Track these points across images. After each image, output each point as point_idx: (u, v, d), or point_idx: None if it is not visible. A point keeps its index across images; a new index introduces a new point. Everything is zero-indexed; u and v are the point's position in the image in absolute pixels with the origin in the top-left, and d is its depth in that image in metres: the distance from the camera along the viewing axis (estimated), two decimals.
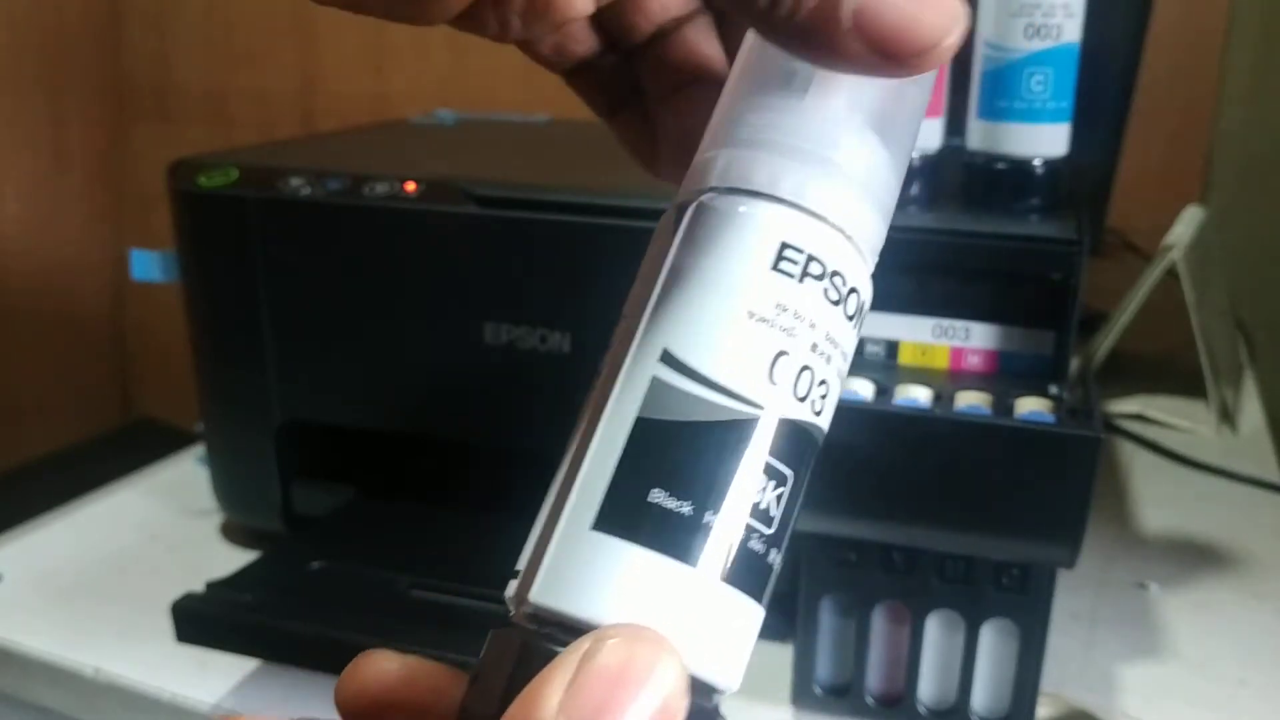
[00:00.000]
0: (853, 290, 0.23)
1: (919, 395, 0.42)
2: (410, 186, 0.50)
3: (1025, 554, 0.41)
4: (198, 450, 0.66)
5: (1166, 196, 0.99)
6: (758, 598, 0.22)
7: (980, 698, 0.44)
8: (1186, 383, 0.81)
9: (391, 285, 0.51)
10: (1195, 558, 0.61)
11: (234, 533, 0.60)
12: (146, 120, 2.06)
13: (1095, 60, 0.48)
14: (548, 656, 0.20)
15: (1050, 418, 0.39)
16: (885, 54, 0.20)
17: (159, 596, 0.43)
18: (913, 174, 0.47)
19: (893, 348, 0.46)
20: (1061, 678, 0.48)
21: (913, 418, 0.40)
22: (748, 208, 0.23)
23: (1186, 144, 1.26)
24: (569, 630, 0.20)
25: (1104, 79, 0.85)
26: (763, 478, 0.21)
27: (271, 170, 0.52)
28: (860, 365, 0.46)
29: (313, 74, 1.95)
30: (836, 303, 0.23)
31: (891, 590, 0.44)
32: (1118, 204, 1.00)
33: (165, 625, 0.43)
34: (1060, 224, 0.43)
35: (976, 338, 0.45)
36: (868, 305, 0.24)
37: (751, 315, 0.22)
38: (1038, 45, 0.44)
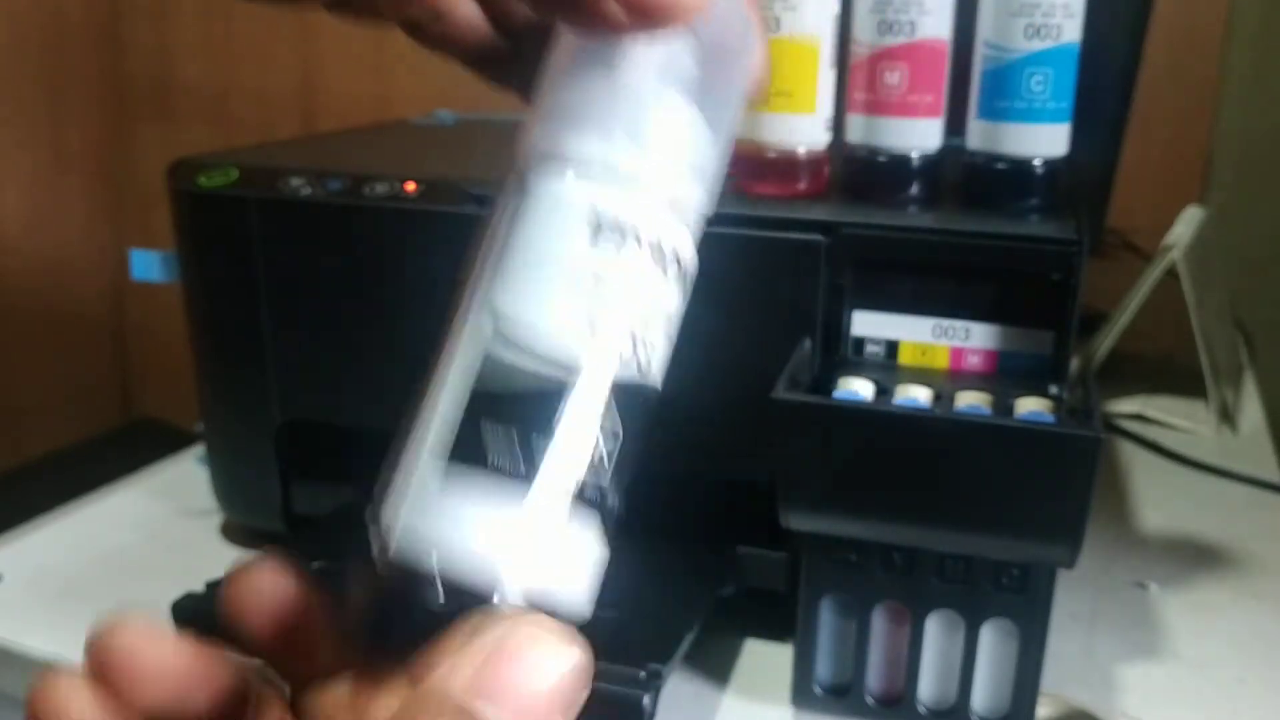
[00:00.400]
0: (673, 254, 0.25)
1: (919, 395, 0.42)
2: (410, 187, 0.50)
3: (1025, 554, 0.41)
4: (198, 450, 0.66)
5: (1166, 197, 0.99)
6: (597, 537, 0.25)
7: (980, 698, 0.44)
8: (1186, 383, 0.81)
9: (391, 285, 0.51)
10: (1195, 558, 0.61)
11: (234, 533, 0.60)
12: (147, 120, 2.06)
13: (1095, 60, 0.48)
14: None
15: (1050, 418, 0.39)
16: (637, 12, 0.23)
17: (159, 596, 0.43)
18: (912, 174, 0.48)
19: (893, 348, 0.46)
20: (1061, 677, 0.48)
21: (913, 418, 0.40)
22: (563, 184, 0.24)
23: (1186, 144, 1.26)
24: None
25: (1104, 79, 0.85)
26: (594, 434, 0.23)
27: (272, 170, 0.52)
28: (860, 365, 0.46)
29: (313, 74, 1.95)
30: (655, 267, 0.25)
31: (891, 590, 0.44)
32: (1118, 204, 1.00)
33: (165, 625, 0.43)
34: (1060, 224, 0.43)
35: (976, 338, 0.45)
36: (691, 269, 0.26)
37: (572, 287, 0.24)
38: (1037, 45, 0.44)
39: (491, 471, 0.22)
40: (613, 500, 0.25)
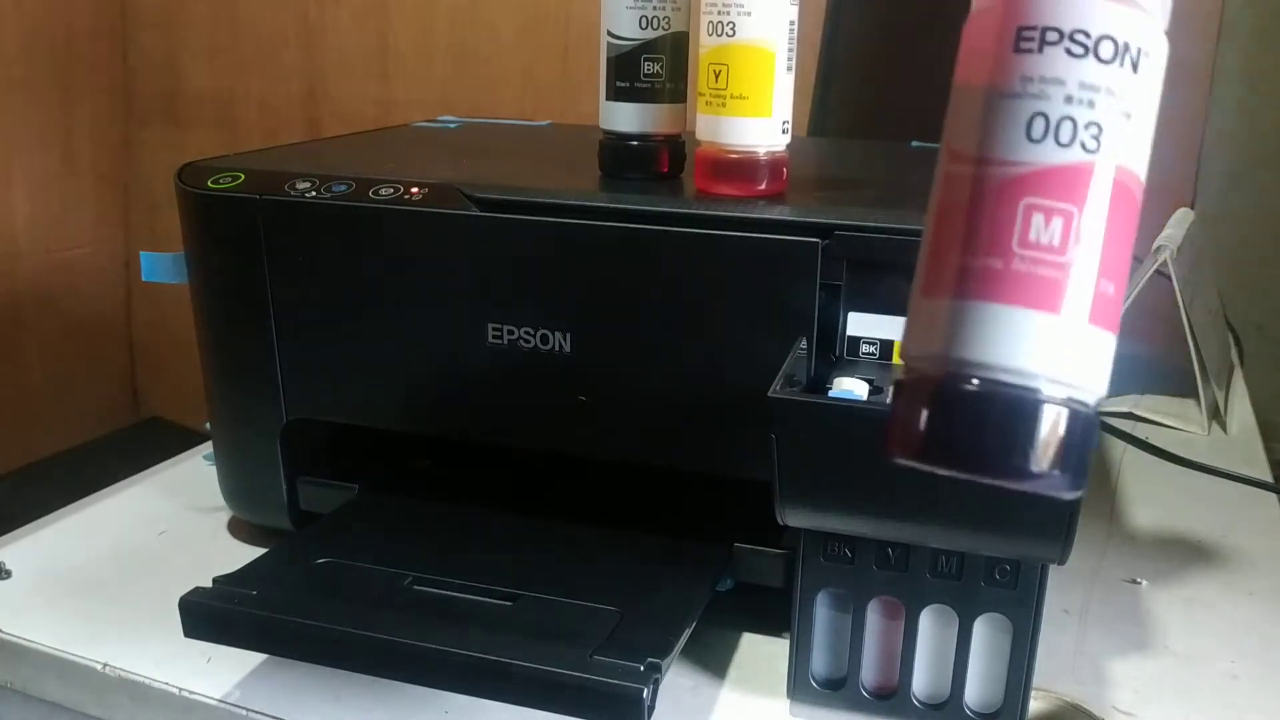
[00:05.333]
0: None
1: None
2: (415, 190, 0.51)
3: (1017, 550, 0.42)
4: (205, 448, 0.66)
5: (1157, 198, 0.99)
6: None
7: (973, 692, 0.45)
8: (1177, 382, 0.81)
9: (396, 287, 0.52)
10: (1185, 554, 0.61)
11: (241, 529, 0.60)
12: (155, 124, 2.07)
13: None
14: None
15: None
16: None
17: (167, 592, 0.44)
18: (913, 173, 0.48)
19: (887, 347, 0.47)
20: (1053, 672, 0.49)
21: None
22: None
23: (1176, 147, 1.27)
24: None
25: None
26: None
27: (278, 174, 0.53)
28: (855, 365, 0.47)
29: (318, 80, 1.96)
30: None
31: (886, 586, 0.44)
32: None
33: (174, 621, 0.43)
34: None
35: None
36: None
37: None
38: None
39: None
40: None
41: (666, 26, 0.50)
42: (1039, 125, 0.27)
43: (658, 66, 0.50)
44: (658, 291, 0.48)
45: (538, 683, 0.40)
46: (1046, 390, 0.28)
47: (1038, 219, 0.27)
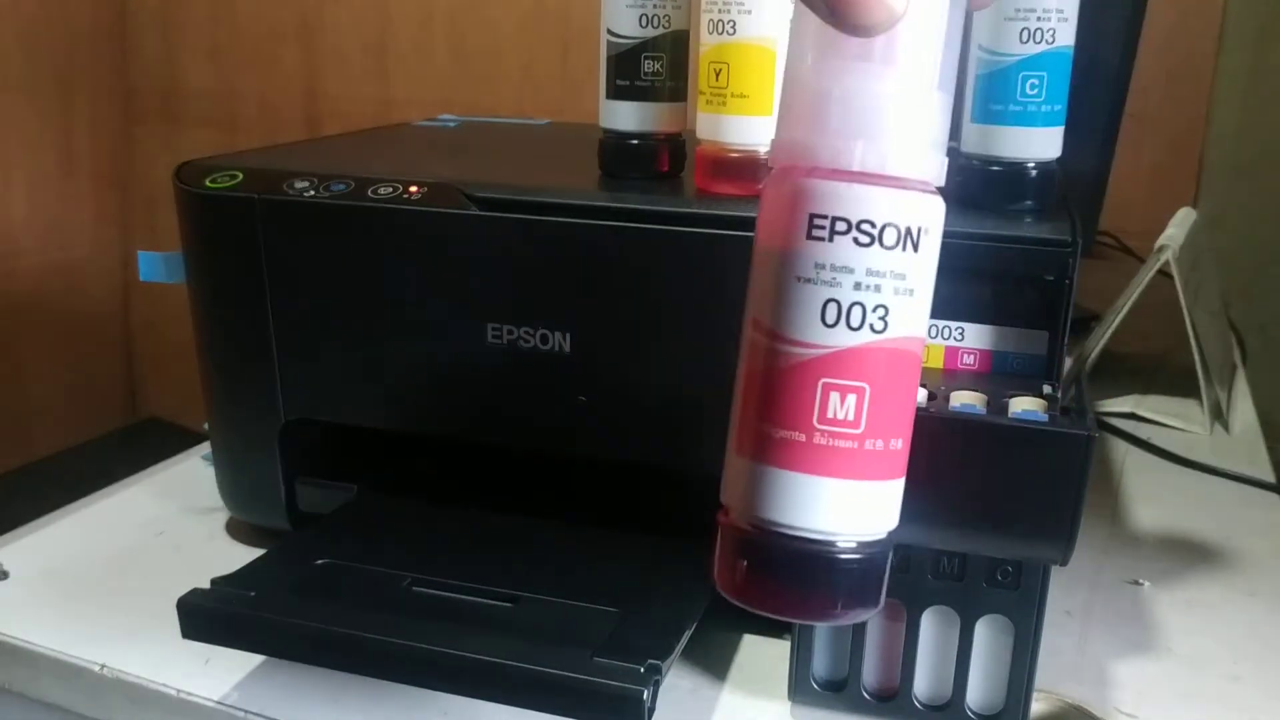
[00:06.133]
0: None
1: None
2: (414, 189, 0.51)
3: (1019, 551, 0.42)
4: (203, 449, 0.66)
5: (1159, 198, 0.99)
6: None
7: (975, 693, 0.45)
8: (1179, 382, 0.81)
9: (395, 286, 0.51)
10: (1188, 555, 0.61)
11: (239, 530, 0.60)
12: (153, 123, 2.07)
13: (1089, 64, 0.48)
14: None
15: (1044, 417, 0.40)
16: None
17: (165, 593, 0.44)
18: None
19: None
20: (1055, 674, 0.49)
21: None
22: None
23: (1179, 146, 1.27)
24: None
25: (1098, 82, 0.86)
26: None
27: (276, 173, 0.53)
28: None
29: (316, 78, 1.96)
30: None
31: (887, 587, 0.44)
32: (1111, 206, 1.01)
33: (171, 622, 0.43)
34: (1054, 225, 0.44)
35: (971, 338, 0.45)
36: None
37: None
38: (1032, 49, 0.45)
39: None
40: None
41: (667, 25, 0.50)
42: (831, 311, 0.30)
43: (658, 65, 0.50)
44: (658, 291, 0.48)
45: (537, 684, 0.40)
46: (841, 545, 0.32)
47: (834, 397, 0.30)
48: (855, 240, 0.30)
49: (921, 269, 0.31)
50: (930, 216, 0.31)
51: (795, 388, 0.31)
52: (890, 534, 0.33)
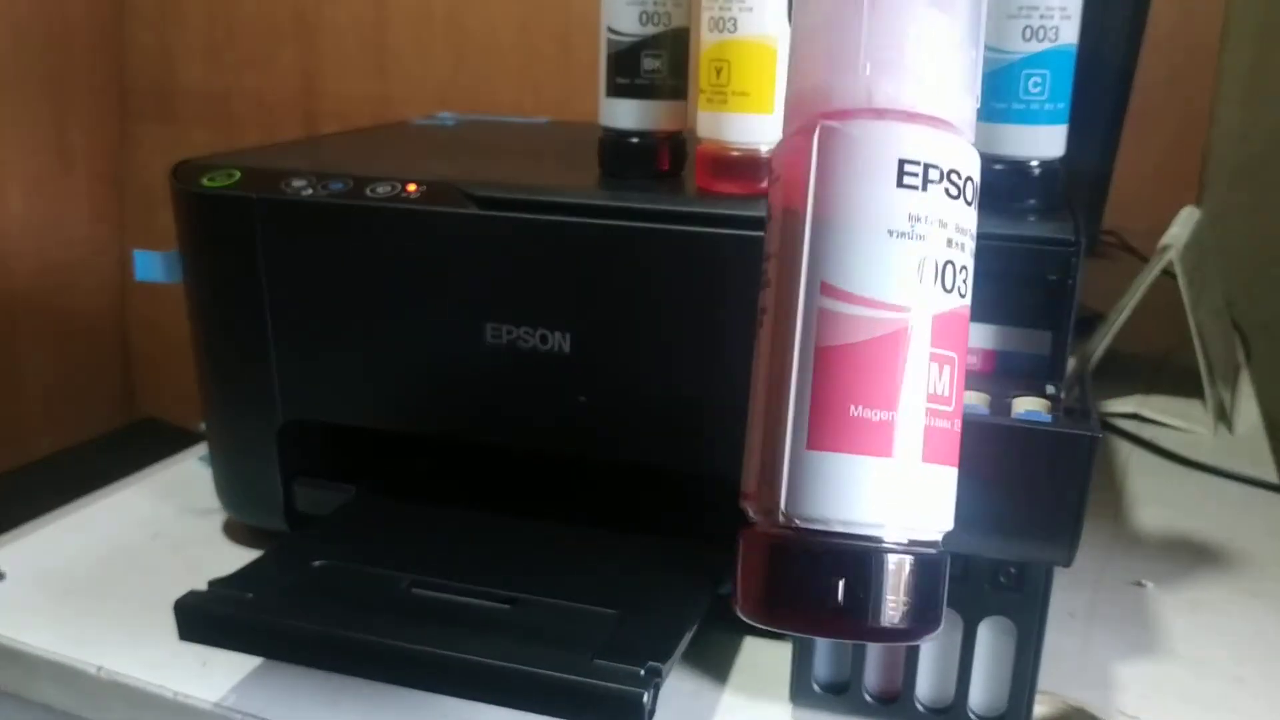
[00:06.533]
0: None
1: None
2: (412, 188, 0.50)
3: (1022, 553, 0.42)
4: (200, 449, 0.66)
5: (1163, 197, 0.99)
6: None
7: (977, 695, 0.45)
8: (1183, 382, 0.81)
9: (393, 286, 0.51)
10: (1191, 556, 0.61)
11: (236, 531, 0.60)
12: (150, 122, 2.07)
13: (1092, 62, 0.48)
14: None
15: (1047, 417, 0.39)
16: None
17: (162, 595, 0.43)
18: None
19: None
20: (1058, 675, 0.49)
21: None
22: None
23: (1183, 145, 1.27)
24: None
25: (1101, 80, 0.86)
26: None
27: (274, 171, 0.53)
28: None
29: (314, 76, 1.95)
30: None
31: None
32: (1115, 205, 1.01)
33: (168, 624, 0.43)
34: (1057, 225, 0.44)
35: (974, 337, 0.45)
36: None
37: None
38: (1035, 47, 0.45)
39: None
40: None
41: (667, 22, 0.49)
42: (930, 269, 0.27)
43: (658, 63, 0.50)
44: (658, 291, 0.48)
45: (537, 686, 0.39)
46: (927, 540, 0.28)
47: (933, 369, 0.27)
48: (947, 191, 0.27)
49: (975, 230, 0.28)
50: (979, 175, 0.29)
51: (892, 359, 0.26)
52: (944, 543, 0.29)
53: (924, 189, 0.26)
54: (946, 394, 0.27)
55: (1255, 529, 0.64)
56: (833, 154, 0.27)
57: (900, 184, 0.26)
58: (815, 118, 0.27)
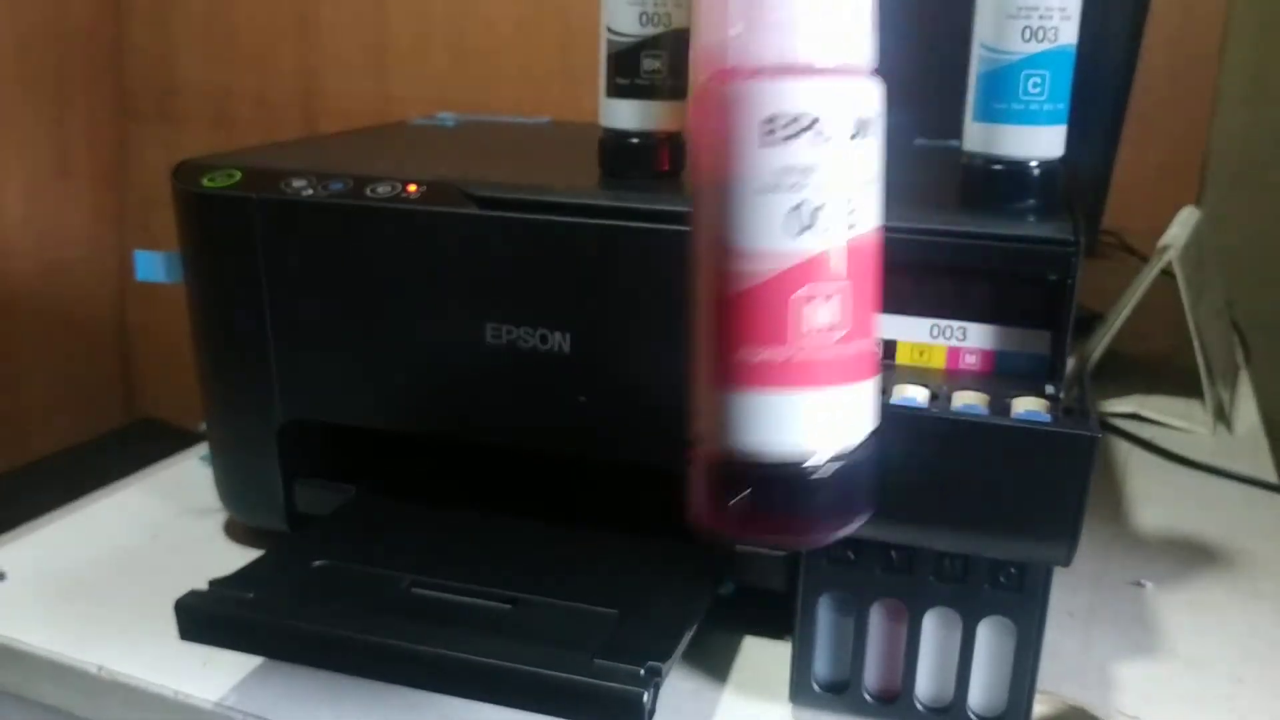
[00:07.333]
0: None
1: (916, 395, 0.42)
2: (412, 188, 0.50)
3: (1022, 553, 0.42)
4: (201, 449, 0.66)
5: (1162, 197, 0.99)
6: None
7: (977, 695, 0.45)
8: (1182, 382, 0.81)
9: (393, 286, 0.51)
10: (1191, 556, 0.61)
11: (237, 531, 0.60)
12: (150, 122, 2.07)
13: (1092, 63, 0.48)
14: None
15: (1046, 417, 0.40)
16: None
17: (162, 595, 0.43)
18: (916, 171, 0.48)
19: (890, 347, 0.46)
20: (1058, 675, 0.49)
21: (910, 417, 0.40)
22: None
23: (1183, 146, 1.27)
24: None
25: (1100, 81, 0.86)
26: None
27: (274, 171, 0.53)
28: None
29: (314, 77, 1.95)
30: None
31: (889, 588, 0.44)
32: (1114, 205, 1.01)
33: (169, 623, 0.43)
34: (1056, 225, 0.44)
35: (973, 338, 0.45)
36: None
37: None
38: (1034, 48, 0.45)
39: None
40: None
41: (667, 23, 0.49)
42: (803, 216, 0.29)
43: (658, 63, 0.50)
44: (658, 290, 0.48)
45: (537, 686, 0.39)
46: (837, 454, 0.31)
47: (815, 305, 0.29)
48: (816, 138, 0.28)
49: (878, 156, 0.30)
50: (879, 101, 0.30)
51: (771, 304, 0.29)
52: (872, 434, 0.32)
53: (789, 142, 0.28)
54: (839, 320, 0.29)
55: (1255, 529, 0.64)
56: (703, 118, 0.29)
57: (764, 144, 0.28)
58: (699, 83, 0.30)
